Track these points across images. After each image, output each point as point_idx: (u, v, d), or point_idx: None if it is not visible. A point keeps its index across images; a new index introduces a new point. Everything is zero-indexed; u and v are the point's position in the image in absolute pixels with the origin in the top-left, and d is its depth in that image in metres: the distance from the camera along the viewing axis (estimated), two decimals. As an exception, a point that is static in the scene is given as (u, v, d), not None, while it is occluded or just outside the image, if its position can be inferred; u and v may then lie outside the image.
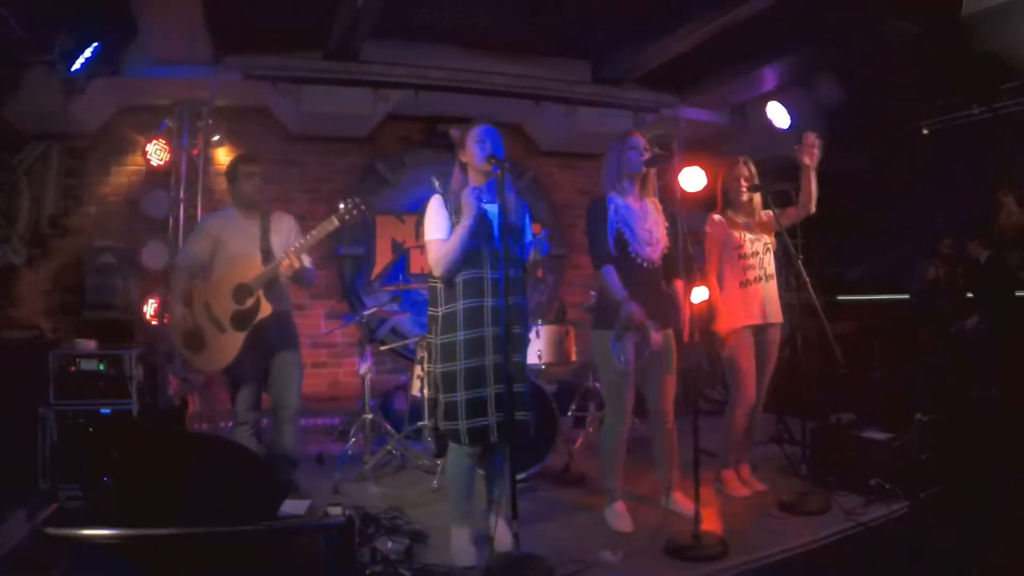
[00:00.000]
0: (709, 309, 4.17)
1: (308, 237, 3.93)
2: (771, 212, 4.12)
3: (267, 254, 4.10)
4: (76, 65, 4.98)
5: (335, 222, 3.82)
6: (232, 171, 4.22)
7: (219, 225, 4.20)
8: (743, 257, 4.11)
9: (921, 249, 6.95)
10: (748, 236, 4.13)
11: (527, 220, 3.43)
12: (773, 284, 4.18)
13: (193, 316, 4.01)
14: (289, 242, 4.15)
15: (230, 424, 4.25)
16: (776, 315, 4.18)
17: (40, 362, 4.40)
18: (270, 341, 4.11)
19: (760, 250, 4.14)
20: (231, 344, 3.96)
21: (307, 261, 4.04)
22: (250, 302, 3.95)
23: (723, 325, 4.13)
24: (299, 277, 3.98)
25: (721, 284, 4.16)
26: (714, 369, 4.27)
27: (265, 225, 4.19)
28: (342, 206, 3.81)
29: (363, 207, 3.85)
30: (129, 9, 4.50)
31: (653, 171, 3.77)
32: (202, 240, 4.17)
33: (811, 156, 3.92)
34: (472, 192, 3.15)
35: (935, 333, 6.48)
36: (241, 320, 3.96)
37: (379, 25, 5.21)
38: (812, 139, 3.92)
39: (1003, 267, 6.11)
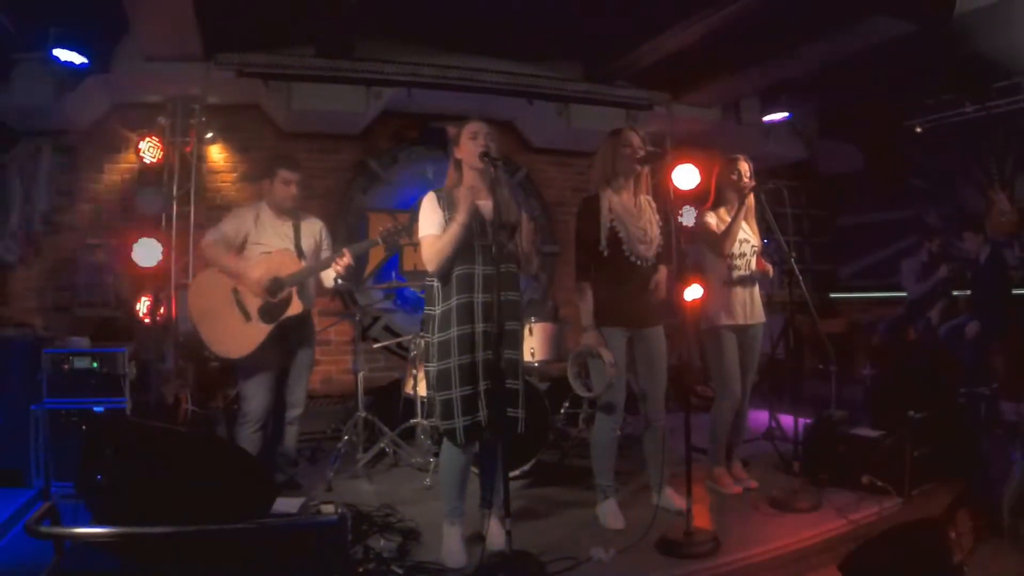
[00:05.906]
0: (702, 306, 4.19)
1: (354, 246, 4.05)
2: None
3: (300, 254, 4.09)
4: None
5: (379, 241, 4.06)
6: (269, 171, 4.13)
7: (252, 216, 4.09)
8: (730, 256, 4.12)
9: (913, 247, 6.99)
10: (738, 236, 4.14)
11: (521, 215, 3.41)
12: (756, 285, 4.20)
13: (219, 299, 3.91)
14: (318, 245, 4.21)
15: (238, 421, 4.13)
16: (758, 315, 4.20)
17: (33, 360, 4.39)
18: (293, 339, 4.11)
19: (747, 251, 4.16)
20: (255, 335, 3.90)
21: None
22: (282, 297, 3.93)
23: (706, 322, 4.15)
24: (350, 275, 4.05)
25: (706, 281, 4.18)
26: (704, 365, 4.27)
27: (297, 226, 4.17)
28: (386, 229, 4.05)
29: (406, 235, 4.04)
30: (120, 5, 4.48)
31: (647, 169, 3.76)
32: (235, 224, 4.04)
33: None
34: (468, 190, 3.16)
35: (926, 330, 6.50)
36: (269, 313, 3.92)
37: (372, 22, 5.19)
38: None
39: (1002, 264, 6.12)
